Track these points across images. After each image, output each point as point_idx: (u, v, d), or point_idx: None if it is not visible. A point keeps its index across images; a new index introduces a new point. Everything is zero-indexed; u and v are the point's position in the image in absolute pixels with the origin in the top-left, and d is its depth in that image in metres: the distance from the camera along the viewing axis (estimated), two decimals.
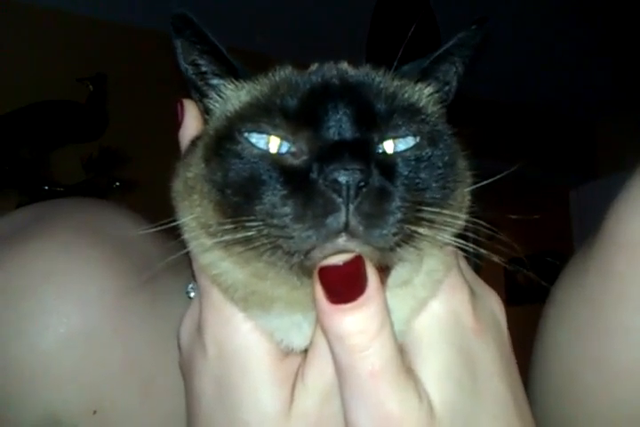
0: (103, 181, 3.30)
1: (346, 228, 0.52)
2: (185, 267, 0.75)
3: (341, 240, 0.53)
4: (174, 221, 0.63)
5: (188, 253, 0.65)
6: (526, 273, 0.66)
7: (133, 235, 0.77)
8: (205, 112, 0.67)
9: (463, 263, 0.69)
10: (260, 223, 0.54)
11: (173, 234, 0.64)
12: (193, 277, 0.68)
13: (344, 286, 0.55)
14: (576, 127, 5.82)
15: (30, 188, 3.17)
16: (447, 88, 0.69)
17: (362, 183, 0.52)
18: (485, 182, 0.64)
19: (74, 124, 3.45)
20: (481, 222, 0.61)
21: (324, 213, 0.52)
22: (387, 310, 0.57)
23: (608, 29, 4.24)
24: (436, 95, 0.68)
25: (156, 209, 0.68)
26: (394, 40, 2.87)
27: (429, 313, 0.63)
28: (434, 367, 0.61)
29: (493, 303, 0.69)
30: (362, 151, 0.55)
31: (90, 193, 3.15)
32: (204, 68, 0.66)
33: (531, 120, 5.38)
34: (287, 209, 0.53)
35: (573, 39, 4.36)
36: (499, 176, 0.63)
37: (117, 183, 3.28)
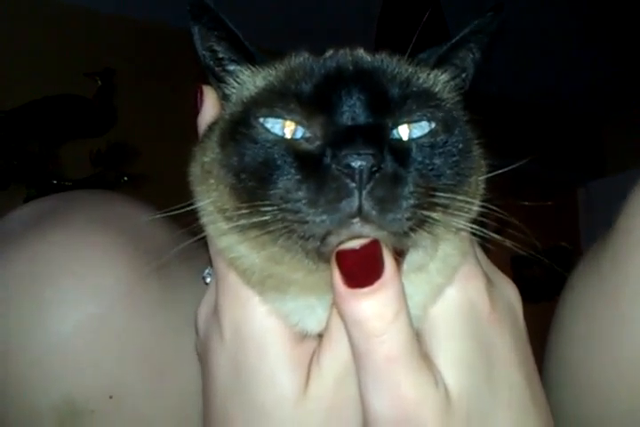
0: (111, 176, 3.31)
1: (359, 212, 0.52)
2: (195, 255, 0.76)
3: (357, 226, 0.53)
4: (188, 206, 0.63)
5: (199, 242, 0.65)
6: (543, 260, 0.66)
7: (146, 223, 0.78)
8: (223, 98, 0.68)
9: (479, 251, 0.69)
10: (275, 208, 0.55)
11: (184, 223, 0.65)
12: (209, 263, 0.69)
13: (361, 269, 0.55)
14: (584, 125, 5.80)
15: (38, 182, 3.19)
16: (464, 75, 0.69)
17: (374, 168, 0.52)
18: (500, 171, 0.64)
19: (82, 119, 3.46)
20: (495, 209, 0.61)
21: (338, 198, 0.52)
22: (403, 295, 0.58)
23: (617, 27, 4.22)
24: (453, 82, 0.68)
25: (164, 203, 0.69)
26: (401, 33, 2.87)
27: (445, 300, 0.63)
28: (450, 354, 0.61)
29: (509, 292, 0.70)
30: (375, 136, 0.55)
31: (98, 187, 3.15)
32: (220, 55, 0.67)
33: (538, 118, 5.35)
34: (301, 194, 0.54)
35: (582, 36, 4.34)
36: (508, 168, 0.64)
37: (125, 178, 3.29)
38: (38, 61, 3.45)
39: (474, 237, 0.66)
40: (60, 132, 3.39)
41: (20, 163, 3.19)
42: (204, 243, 0.66)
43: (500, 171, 0.65)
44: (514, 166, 0.63)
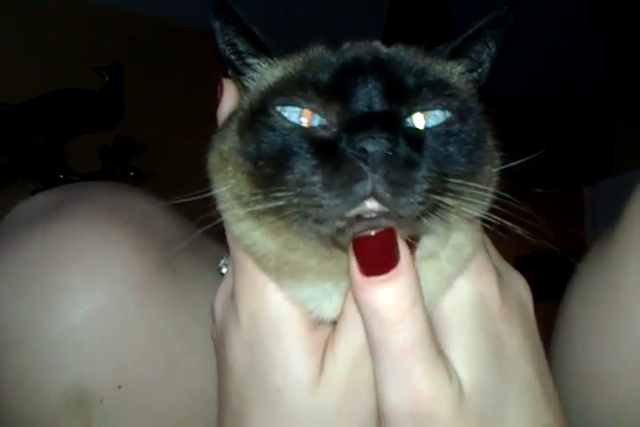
0: (118, 171, 3.32)
1: (373, 195, 0.53)
2: (204, 246, 0.76)
3: (372, 213, 0.54)
4: (204, 194, 0.64)
5: (206, 233, 0.66)
6: (553, 247, 0.65)
7: (154, 213, 0.79)
8: (242, 90, 0.69)
9: (490, 245, 0.69)
10: (291, 193, 0.56)
11: (192, 215, 0.65)
12: (225, 253, 0.69)
13: (377, 256, 0.56)
14: (592, 124, 5.78)
15: (45, 176, 3.19)
16: (480, 69, 0.70)
17: (389, 152, 0.53)
18: (507, 166, 0.65)
19: (89, 114, 3.47)
20: (509, 197, 0.61)
21: (351, 181, 0.53)
22: (419, 285, 0.59)
23: (626, 27, 4.20)
24: (468, 74, 0.69)
25: (170, 198, 0.69)
26: (409, 29, 2.87)
27: (457, 294, 0.64)
28: (462, 348, 0.62)
29: (520, 286, 0.70)
30: (390, 122, 0.56)
31: None
32: (239, 48, 0.69)
33: (546, 117, 5.34)
34: (316, 178, 0.55)
35: (590, 36, 4.32)
36: (515, 162, 0.64)
37: (132, 173, 3.30)
38: (46, 56, 3.45)
39: (486, 226, 0.66)
40: (68, 126, 3.40)
41: (27, 157, 3.20)
42: (211, 234, 0.67)
43: (507, 165, 0.65)
44: (521, 161, 0.64)
